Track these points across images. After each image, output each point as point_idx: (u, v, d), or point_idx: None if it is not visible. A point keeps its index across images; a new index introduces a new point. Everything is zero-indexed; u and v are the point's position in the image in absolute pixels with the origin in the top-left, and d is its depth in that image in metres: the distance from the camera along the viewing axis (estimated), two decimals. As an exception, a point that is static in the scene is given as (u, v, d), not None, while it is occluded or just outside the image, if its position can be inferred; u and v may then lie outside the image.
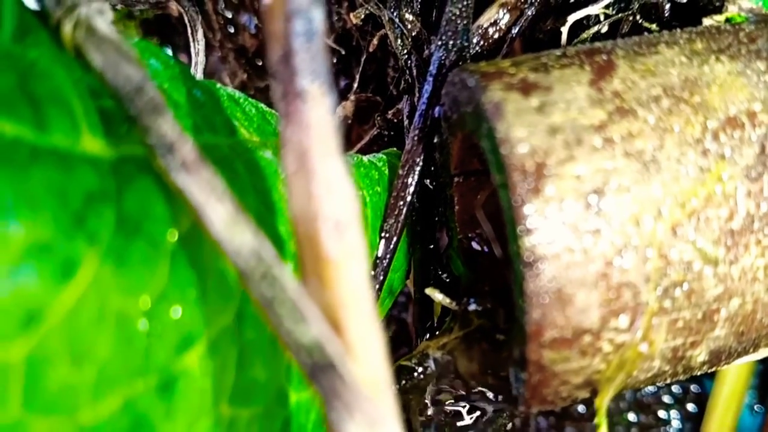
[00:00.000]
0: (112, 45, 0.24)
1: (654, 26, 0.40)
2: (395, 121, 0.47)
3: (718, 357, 0.33)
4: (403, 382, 0.36)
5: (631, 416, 0.62)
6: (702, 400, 0.60)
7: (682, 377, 0.34)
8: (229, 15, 0.52)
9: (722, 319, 0.31)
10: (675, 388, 0.62)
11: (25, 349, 0.20)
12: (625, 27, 0.40)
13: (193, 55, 0.39)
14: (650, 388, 0.62)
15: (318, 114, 0.23)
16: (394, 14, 0.39)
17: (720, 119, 0.29)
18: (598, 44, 0.33)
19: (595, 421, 0.32)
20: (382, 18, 0.40)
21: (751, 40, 0.32)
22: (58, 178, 0.22)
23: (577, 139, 0.28)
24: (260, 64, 0.54)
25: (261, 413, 0.28)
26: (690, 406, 0.61)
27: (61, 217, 0.21)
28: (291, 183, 0.22)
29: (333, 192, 0.22)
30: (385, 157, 0.39)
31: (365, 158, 0.38)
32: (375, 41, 0.45)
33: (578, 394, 0.32)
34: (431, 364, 0.37)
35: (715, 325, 0.31)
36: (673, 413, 0.62)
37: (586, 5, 0.41)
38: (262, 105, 0.36)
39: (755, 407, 0.60)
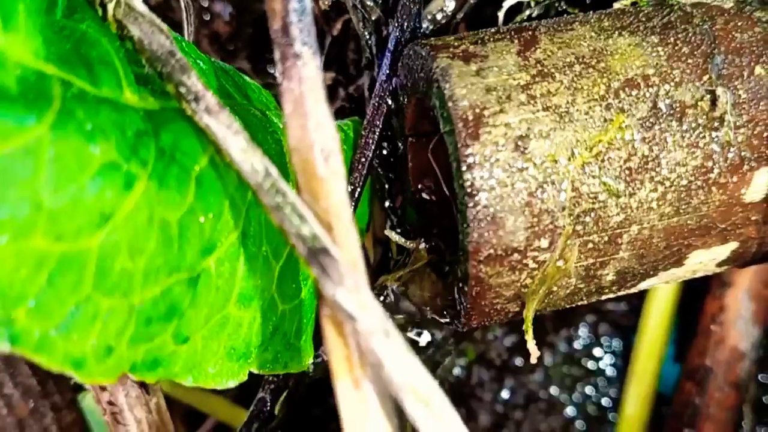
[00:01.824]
0: (147, 19, 0.33)
1: (577, 11, 0.50)
2: (355, 95, 0.56)
3: (624, 278, 0.43)
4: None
5: (565, 368, 0.71)
6: (629, 353, 0.69)
7: (596, 297, 0.44)
8: (205, 4, 0.61)
9: (625, 243, 0.40)
10: (605, 342, 0.71)
11: (99, 241, 0.29)
12: (552, 12, 0.50)
13: (186, 35, 0.48)
14: (582, 342, 0.71)
15: (310, 70, 0.32)
16: (357, 0, 0.48)
17: (621, 80, 0.39)
18: (526, 23, 0.42)
19: (524, 327, 0.41)
20: (347, 4, 0.49)
21: (648, 19, 0.42)
22: (117, 117, 0.30)
23: (507, 96, 0.38)
24: (231, 48, 0.63)
25: (258, 317, 0.37)
26: (618, 359, 0.71)
27: (121, 145, 0.30)
28: (289, 122, 0.32)
29: (321, 128, 0.31)
30: (350, 123, 0.49)
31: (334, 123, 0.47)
32: (338, 25, 0.54)
33: (510, 307, 0.41)
34: (390, 294, 0.46)
35: (619, 247, 0.41)
36: (602, 364, 0.71)
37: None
38: (245, 77, 0.45)
39: (675, 357, 0.70)
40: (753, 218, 0.42)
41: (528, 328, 0.41)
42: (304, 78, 0.32)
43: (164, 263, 0.32)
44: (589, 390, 0.70)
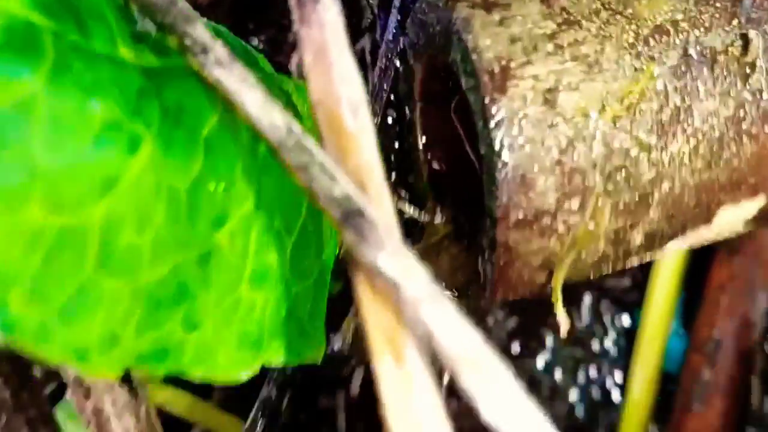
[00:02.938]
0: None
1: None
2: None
3: (652, 239, 0.40)
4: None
5: (567, 351, 0.69)
6: (633, 332, 0.67)
7: (621, 263, 0.41)
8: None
9: (655, 202, 0.38)
10: (606, 321, 0.69)
11: (102, 213, 0.26)
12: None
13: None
14: (584, 322, 0.69)
15: (331, 15, 0.29)
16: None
17: (649, 27, 0.37)
18: (545, -30, 0.39)
19: (552, 298, 0.39)
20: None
21: (673, -38, 0.39)
22: (117, 72, 0.27)
23: (533, 46, 0.35)
24: (212, 18, 0.59)
25: (272, 299, 0.34)
26: (622, 338, 0.68)
27: (122, 103, 0.27)
28: (311, 73, 0.28)
29: (347, 79, 0.28)
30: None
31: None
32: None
33: (537, 277, 0.38)
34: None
35: (650, 207, 0.38)
36: (606, 344, 0.69)
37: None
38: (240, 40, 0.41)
39: (680, 332, 0.68)
40: (784, 171, 0.40)
41: (557, 298, 0.38)
42: (326, 23, 0.28)
43: (173, 237, 0.28)
44: (593, 372, 0.68)
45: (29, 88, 0.24)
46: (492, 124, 0.34)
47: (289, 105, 0.36)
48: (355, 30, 0.53)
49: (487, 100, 0.34)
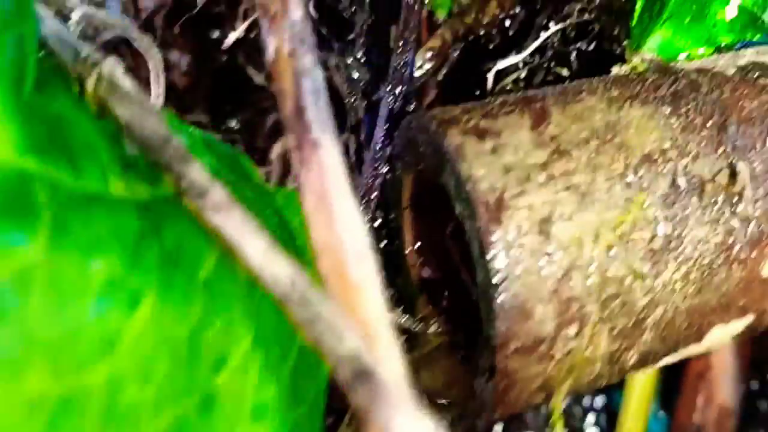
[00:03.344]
0: (135, 100, 0.29)
1: (565, 71, 0.47)
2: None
3: (646, 359, 0.40)
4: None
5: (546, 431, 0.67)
6: (611, 411, 0.66)
7: (616, 379, 0.41)
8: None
9: (649, 326, 0.38)
10: (586, 402, 0.68)
11: (104, 374, 0.24)
12: (540, 73, 0.47)
13: (153, 95, 0.44)
14: (564, 402, 0.68)
15: (331, 160, 0.28)
16: (341, 61, 0.45)
17: (638, 156, 0.37)
18: (531, 93, 0.39)
19: (552, 419, 0.38)
20: (329, 62, 0.45)
21: (656, 88, 0.39)
22: (112, 220, 0.26)
23: (526, 176, 0.35)
24: (189, 100, 0.58)
25: (274, 430, 0.33)
26: (602, 418, 0.68)
27: (122, 255, 0.25)
28: (312, 220, 0.27)
29: (350, 227, 0.27)
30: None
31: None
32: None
33: (535, 398, 0.38)
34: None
35: (644, 330, 0.38)
36: (585, 424, 0.68)
37: (505, 53, 0.48)
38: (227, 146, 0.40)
39: (659, 414, 0.68)
40: (771, 292, 0.40)
41: (557, 419, 0.38)
42: (325, 168, 0.28)
43: (175, 388, 0.27)
44: (574, 454, 0.67)
45: (28, 258, 0.22)
46: (489, 254, 0.34)
47: (281, 223, 0.35)
48: (339, 128, 0.52)
49: (483, 231, 0.34)
